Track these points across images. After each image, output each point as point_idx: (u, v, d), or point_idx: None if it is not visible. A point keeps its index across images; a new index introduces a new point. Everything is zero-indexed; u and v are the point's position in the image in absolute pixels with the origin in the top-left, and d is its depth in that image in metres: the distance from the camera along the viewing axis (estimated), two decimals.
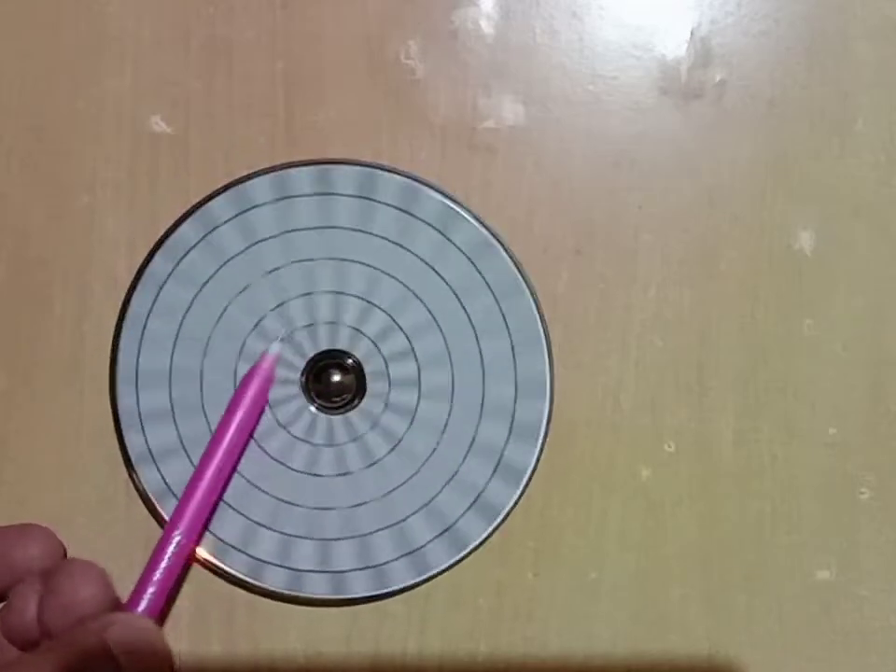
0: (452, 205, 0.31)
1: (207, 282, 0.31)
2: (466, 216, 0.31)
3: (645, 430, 0.31)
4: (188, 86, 0.32)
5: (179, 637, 0.31)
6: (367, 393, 0.31)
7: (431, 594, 0.31)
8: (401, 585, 0.30)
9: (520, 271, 0.31)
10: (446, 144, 0.31)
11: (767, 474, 0.31)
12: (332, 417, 0.31)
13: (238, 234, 0.30)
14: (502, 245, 0.31)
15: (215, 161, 0.31)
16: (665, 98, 0.32)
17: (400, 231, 0.30)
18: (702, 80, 0.32)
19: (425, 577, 0.30)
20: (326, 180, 0.31)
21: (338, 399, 0.31)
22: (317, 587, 0.30)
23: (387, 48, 0.32)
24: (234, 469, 0.30)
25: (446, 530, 0.30)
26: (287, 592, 0.30)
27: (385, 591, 0.30)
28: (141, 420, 0.30)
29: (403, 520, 0.30)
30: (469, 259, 0.31)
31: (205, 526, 0.30)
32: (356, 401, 0.31)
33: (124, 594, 0.28)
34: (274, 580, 0.30)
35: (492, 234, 0.31)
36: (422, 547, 0.30)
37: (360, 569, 0.30)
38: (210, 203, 0.31)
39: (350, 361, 0.31)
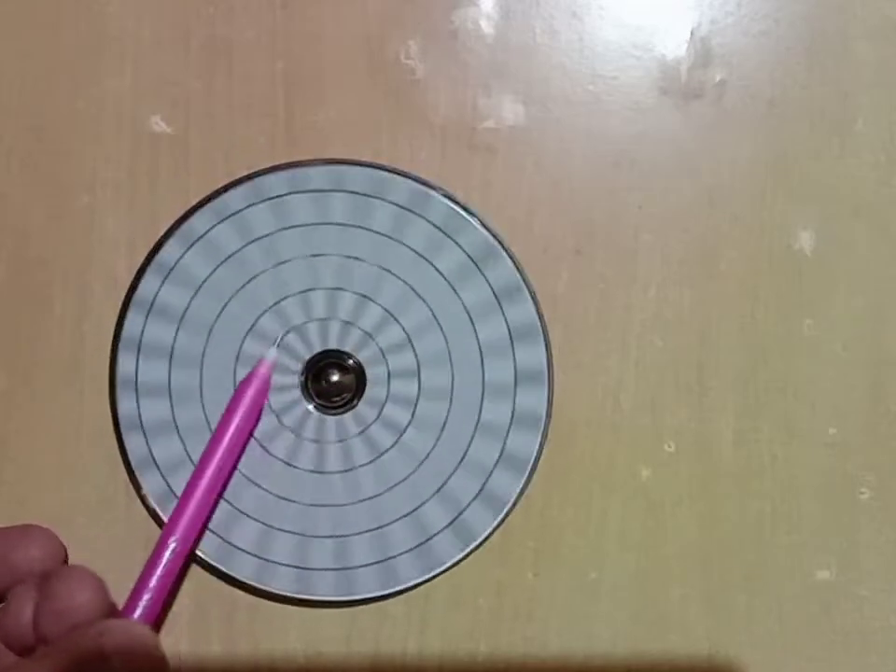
0: (455, 207, 0.31)
1: (206, 281, 0.31)
2: (468, 217, 0.31)
3: (645, 430, 0.31)
4: (188, 86, 0.32)
5: (180, 637, 0.31)
6: (366, 392, 0.31)
7: (431, 594, 0.31)
8: (406, 584, 0.30)
9: (520, 271, 0.31)
10: (446, 144, 0.31)
11: (767, 474, 0.31)
12: (332, 417, 0.31)
13: (235, 233, 0.30)
14: (502, 245, 0.31)
15: (215, 161, 0.31)
16: (665, 98, 0.32)
17: (401, 228, 0.31)
18: (702, 80, 0.32)
19: (430, 574, 0.30)
20: (333, 180, 0.31)
21: (337, 398, 0.31)
22: (321, 585, 0.30)
23: (387, 48, 0.32)
24: (231, 474, 0.30)
25: (448, 525, 0.30)
26: (290, 594, 0.30)
27: (391, 590, 0.30)
28: (141, 421, 0.30)
29: (404, 517, 0.30)
30: (470, 258, 0.31)
31: (202, 532, 0.30)
32: (355, 401, 0.31)
33: (124, 593, 0.28)
34: (278, 578, 0.30)
35: (492, 235, 0.31)
36: (427, 542, 0.30)
37: (365, 566, 0.30)
38: (224, 196, 0.31)
39: (350, 361, 0.31)
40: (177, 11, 0.32)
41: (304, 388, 0.31)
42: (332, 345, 0.31)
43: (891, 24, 0.32)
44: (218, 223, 0.31)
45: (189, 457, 0.30)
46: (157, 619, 0.28)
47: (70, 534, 0.30)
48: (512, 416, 0.30)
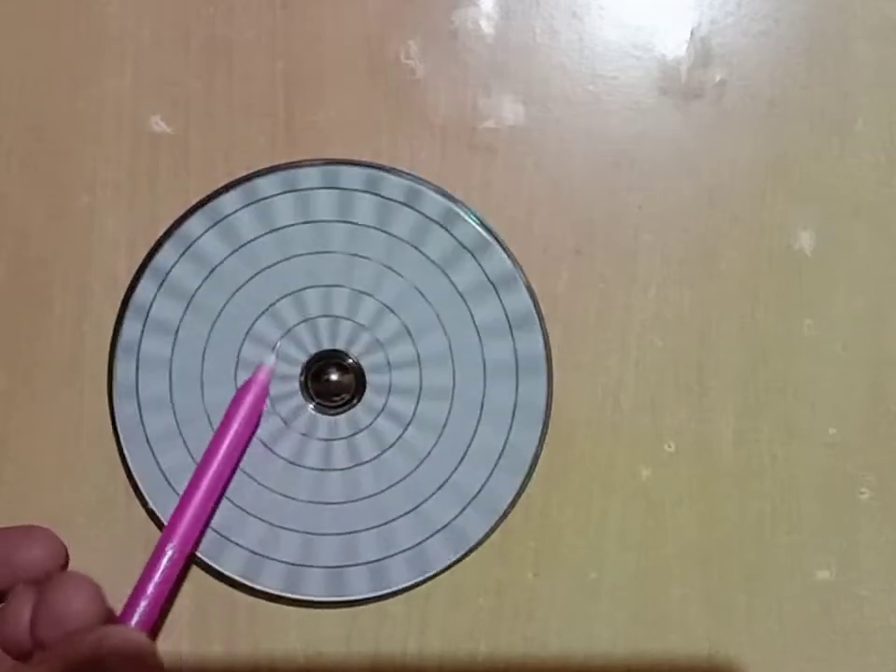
0: (454, 206, 0.31)
1: (206, 280, 0.31)
2: (467, 217, 0.31)
3: (645, 430, 0.31)
4: (188, 86, 0.32)
5: (180, 637, 0.31)
6: (366, 392, 0.31)
7: (431, 594, 0.31)
8: (402, 585, 0.30)
9: (513, 261, 0.31)
10: (446, 144, 0.31)
11: (767, 474, 0.31)
12: (331, 417, 0.31)
13: (225, 238, 0.31)
14: (501, 245, 0.31)
15: (215, 161, 0.31)
16: (665, 98, 0.32)
17: (396, 224, 0.31)
18: (702, 80, 0.32)
19: (426, 576, 0.30)
20: (332, 180, 0.31)
21: (337, 398, 0.31)
22: (316, 584, 0.30)
23: (387, 48, 0.32)
24: (229, 481, 0.30)
25: (446, 526, 0.30)
26: (288, 594, 0.30)
27: (387, 591, 0.30)
28: (143, 420, 0.30)
29: (404, 515, 0.30)
30: (473, 256, 0.31)
31: (200, 538, 0.30)
32: (354, 401, 0.31)
33: (123, 594, 0.28)
34: (275, 577, 0.30)
35: (492, 235, 0.31)
36: (423, 542, 0.30)
37: (361, 564, 0.30)
38: (219, 200, 0.31)
39: (350, 361, 0.31)
40: (177, 11, 0.32)
41: (304, 388, 0.31)
42: (331, 345, 0.31)
43: (891, 24, 0.32)
44: (211, 227, 0.30)
45: (190, 454, 0.30)
46: (154, 625, 0.28)
47: (70, 534, 0.30)
48: (514, 412, 0.30)
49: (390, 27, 0.32)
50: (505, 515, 0.30)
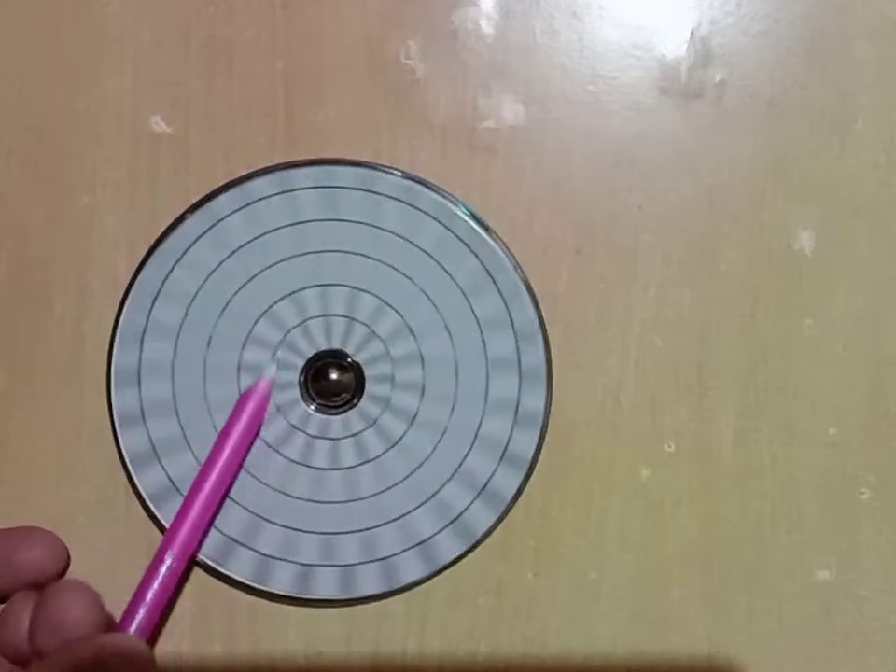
0: (450, 205, 0.31)
1: (207, 279, 0.31)
2: (464, 216, 0.31)
3: (645, 430, 0.31)
4: (188, 86, 0.32)
5: (181, 638, 0.31)
6: (366, 392, 0.31)
7: (431, 593, 0.31)
8: (408, 581, 0.30)
9: (519, 271, 0.31)
10: (446, 144, 0.31)
11: (767, 474, 0.31)
12: (331, 417, 0.31)
13: (222, 241, 0.31)
14: (500, 245, 0.31)
15: (215, 161, 0.31)
16: (665, 98, 0.32)
17: (402, 225, 0.31)
18: (702, 80, 0.32)
19: (432, 571, 0.30)
20: (329, 180, 0.31)
21: (337, 398, 0.31)
22: (321, 584, 0.30)
23: (387, 48, 0.32)
24: (229, 489, 0.30)
25: (451, 523, 0.30)
26: (292, 594, 0.30)
27: (394, 588, 0.30)
28: (145, 420, 0.30)
29: (407, 513, 0.30)
30: (476, 256, 0.31)
31: (199, 546, 0.30)
32: (354, 400, 0.31)
33: (123, 594, 0.28)
34: (278, 576, 0.30)
35: (491, 234, 0.31)
36: (427, 540, 0.30)
37: (365, 563, 0.30)
38: (215, 200, 0.31)
39: (349, 360, 0.31)
40: (177, 11, 0.32)
41: (304, 388, 0.31)
42: (329, 345, 0.31)
43: (891, 24, 0.32)
44: (210, 228, 0.30)
45: (194, 454, 0.30)
46: (153, 633, 0.28)
47: (70, 534, 0.30)
48: (517, 411, 0.30)
49: (390, 27, 0.32)
50: (505, 514, 0.30)
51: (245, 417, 0.29)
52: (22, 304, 0.31)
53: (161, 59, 0.32)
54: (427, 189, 0.31)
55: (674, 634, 0.31)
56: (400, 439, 0.30)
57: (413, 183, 0.31)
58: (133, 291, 0.31)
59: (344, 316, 0.31)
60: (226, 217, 0.30)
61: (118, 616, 0.28)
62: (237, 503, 0.30)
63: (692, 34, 0.32)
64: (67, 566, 0.30)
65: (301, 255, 0.31)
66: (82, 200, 0.31)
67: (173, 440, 0.30)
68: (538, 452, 0.31)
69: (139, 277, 0.31)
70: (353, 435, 0.31)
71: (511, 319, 0.30)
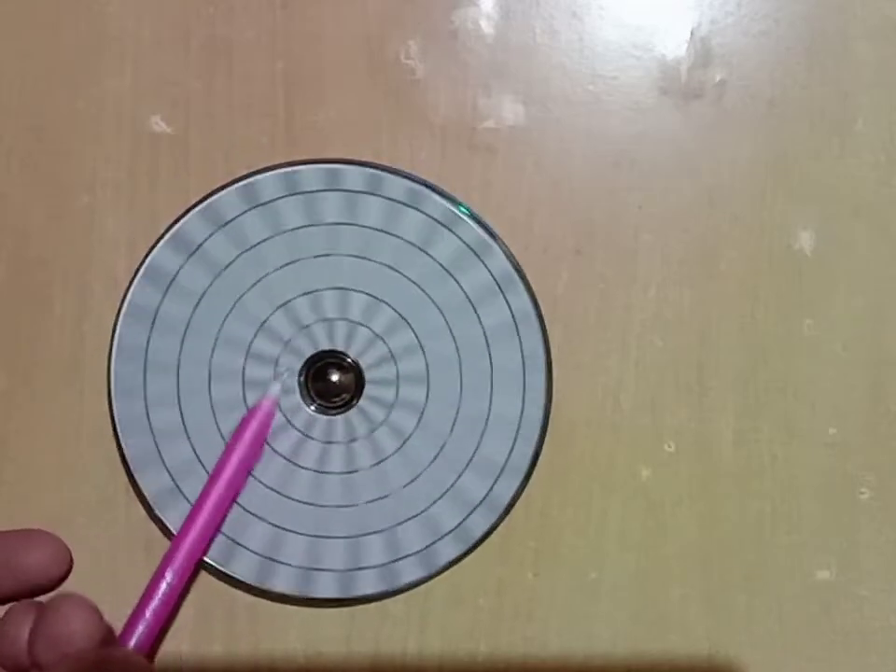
0: (453, 208, 0.31)
1: (213, 282, 0.31)
2: (468, 220, 0.31)
3: (645, 430, 0.31)
4: (188, 86, 0.32)
5: (181, 638, 0.31)
6: (365, 392, 0.31)
7: (431, 593, 0.31)
8: (407, 582, 0.30)
9: (511, 261, 0.31)
10: (446, 144, 0.31)
11: (767, 474, 0.31)
12: (331, 417, 0.31)
13: (231, 241, 0.31)
14: (501, 245, 0.31)
15: (215, 161, 0.31)
16: (665, 98, 0.32)
17: (394, 223, 0.31)
18: (702, 80, 0.32)
19: (431, 573, 0.30)
20: (332, 180, 0.30)
21: (337, 398, 0.31)
22: (322, 587, 0.30)
23: (387, 48, 0.32)
24: (229, 508, 0.30)
25: (454, 529, 0.30)
26: (294, 594, 0.30)
27: (394, 588, 0.30)
28: (149, 420, 0.30)
29: (410, 518, 0.30)
30: (479, 258, 0.30)
31: (199, 564, 0.30)
32: (354, 401, 0.31)
33: (123, 595, 0.28)
34: (281, 580, 0.30)
35: (490, 235, 0.31)
36: (433, 544, 0.30)
37: (365, 568, 0.30)
38: (221, 200, 0.31)
39: (349, 360, 0.31)
40: (177, 11, 0.32)
41: (304, 389, 0.31)
42: (331, 346, 0.31)
43: (891, 24, 0.32)
44: (215, 231, 0.30)
45: (196, 454, 0.30)
46: (153, 647, 0.28)
47: (70, 534, 0.30)
48: (522, 409, 0.30)
49: (390, 27, 0.32)
50: (506, 512, 0.30)
51: (248, 436, 0.29)
52: (22, 304, 0.31)
53: (161, 59, 0.32)
54: (433, 193, 0.30)
55: (674, 634, 0.31)
56: (406, 441, 0.30)
57: (419, 186, 0.30)
58: (132, 291, 0.31)
59: (343, 319, 0.31)
60: (236, 217, 0.30)
61: (116, 623, 0.28)
62: (240, 506, 0.30)
63: (692, 34, 0.32)
64: (70, 568, 0.30)
65: (300, 259, 0.31)
66: (82, 200, 0.31)
67: (174, 441, 0.30)
68: (537, 453, 0.30)
69: (137, 281, 0.31)
70: (352, 441, 0.31)
71: (513, 320, 0.30)
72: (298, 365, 0.31)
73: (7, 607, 0.28)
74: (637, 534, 0.31)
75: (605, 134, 0.32)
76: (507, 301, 0.30)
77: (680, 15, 0.32)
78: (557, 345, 0.31)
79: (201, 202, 0.31)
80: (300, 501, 0.30)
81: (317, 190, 0.30)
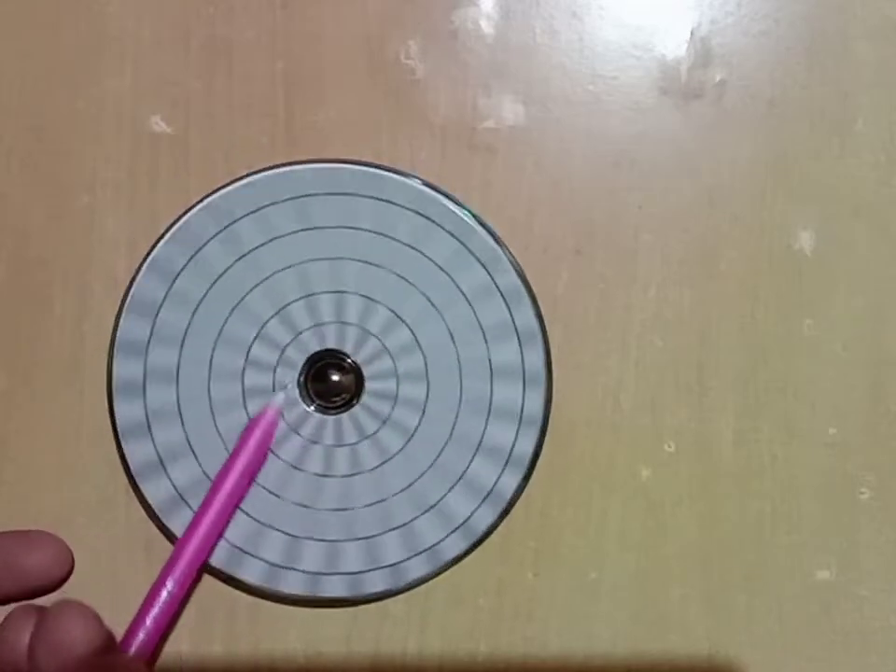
0: (456, 210, 0.31)
1: (212, 286, 0.31)
2: (473, 224, 0.31)
3: (645, 430, 0.31)
4: (188, 86, 0.32)
5: (181, 638, 0.31)
6: (364, 392, 0.31)
7: (431, 593, 0.31)
8: (412, 579, 0.30)
9: (519, 273, 0.31)
10: (446, 144, 0.31)
11: (767, 474, 0.31)
12: (331, 418, 0.31)
13: (246, 233, 0.31)
14: (502, 245, 0.31)
15: (215, 161, 0.31)
16: (665, 98, 0.32)
17: (392, 226, 0.31)
18: (702, 80, 0.32)
19: (434, 570, 0.30)
20: (331, 181, 0.31)
21: (337, 398, 0.31)
22: (331, 588, 0.30)
23: (387, 48, 0.32)
24: (232, 516, 0.30)
25: (457, 528, 0.30)
26: (303, 595, 0.30)
27: (398, 587, 0.30)
28: (149, 422, 0.30)
29: (412, 520, 0.30)
30: (483, 265, 0.30)
31: (201, 572, 0.30)
32: (353, 402, 0.31)
33: (123, 595, 0.28)
34: (284, 580, 0.30)
35: (491, 235, 0.31)
36: (434, 546, 0.30)
37: (369, 570, 0.30)
38: (223, 200, 0.30)
39: (349, 361, 0.31)
40: (177, 11, 0.32)
41: (304, 389, 0.31)
42: (331, 346, 0.31)
43: (891, 24, 0.32)
44: (216, 234, 0.30)
45: (198, 460, 0.30)
46: (153, 654, 0.28)
47: (70, 534, 0.30)
48: (522, 409, 0.30)
49: (390, 27, 0.32)
50: (507, 512, 0.30)
51: (251, 444, 0.29)
52: (22, 304, 0.31)
53: (161, 59, 0.32)
54: (437, 195, 0.30)
55: (674, 634, 0.31)
56: (406, 444, 0.30)
57: (424, 188, 0.30)
58: (132, 293, 0.31)
59: (340, 322, 0.31)
60: (238, 220, 0.30)
61: (115, 623, 0.28)
62: (243, 511, 0.30)
63: (692, 34, 0.32)
64: (72, 569, 0.30)
65: (301, 262, 0.31)
66: (82, 200, 0.31)
67: (177, 445, 0.30)
68: (537, 452, 0.30)
69: (138, 280, 0.31)
70: (352, 444, 0.31)
71: (514, 321, 0.30)
72: (298, 365, 0.31)
73: (7, 610, 0.28)
74: (637, 534, 0.31)
75: (605, 134, 0.32)
76: (507, 303, 0.30)
77: (680, 15, 0.32)
78: (557, 345, 0.31)
79: (201, 200, 0.31)
80: (320, 508, 0.30)
81: (317, 193, 0.30)
